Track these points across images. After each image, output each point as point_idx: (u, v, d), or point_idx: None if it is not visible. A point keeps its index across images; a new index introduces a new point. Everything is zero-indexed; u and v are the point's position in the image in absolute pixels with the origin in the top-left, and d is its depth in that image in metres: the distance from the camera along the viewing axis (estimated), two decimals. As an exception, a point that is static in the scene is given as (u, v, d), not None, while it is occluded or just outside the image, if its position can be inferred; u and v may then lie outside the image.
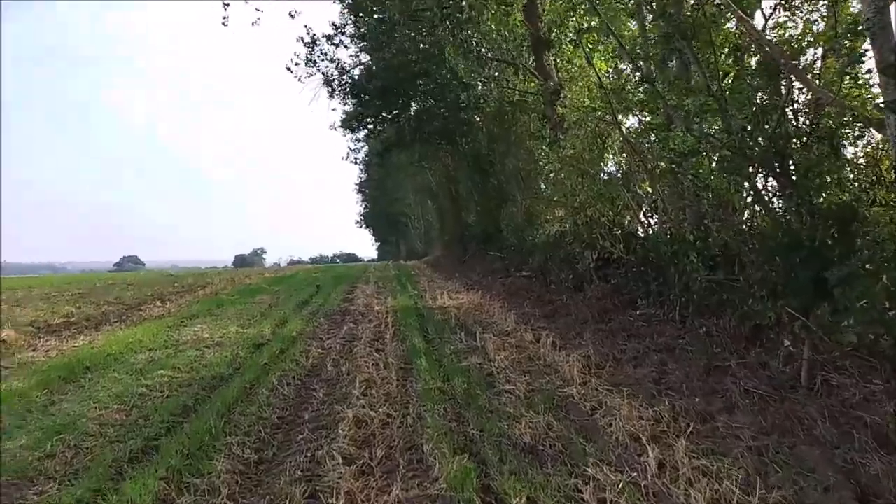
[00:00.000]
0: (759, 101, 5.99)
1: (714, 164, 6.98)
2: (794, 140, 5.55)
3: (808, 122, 5.58)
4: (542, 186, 16.17)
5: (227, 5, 15.72)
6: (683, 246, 8.01)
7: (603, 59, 11.87)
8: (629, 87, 8.96)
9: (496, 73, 15.46)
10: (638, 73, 8.45)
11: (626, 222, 10.01)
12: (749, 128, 6.11)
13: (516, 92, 15.13)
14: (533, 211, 15.36)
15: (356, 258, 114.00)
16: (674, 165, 8.34)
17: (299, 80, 18.64)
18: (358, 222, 70.77)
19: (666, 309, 8.27)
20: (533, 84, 14.59)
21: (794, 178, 5.55)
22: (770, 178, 6.24)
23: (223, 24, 16.49)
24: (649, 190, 9.34)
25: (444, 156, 28.19)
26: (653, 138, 8.38)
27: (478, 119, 20.83)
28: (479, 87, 14.75)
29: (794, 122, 5.59)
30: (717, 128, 7.32)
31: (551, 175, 15.32)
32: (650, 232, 9.20)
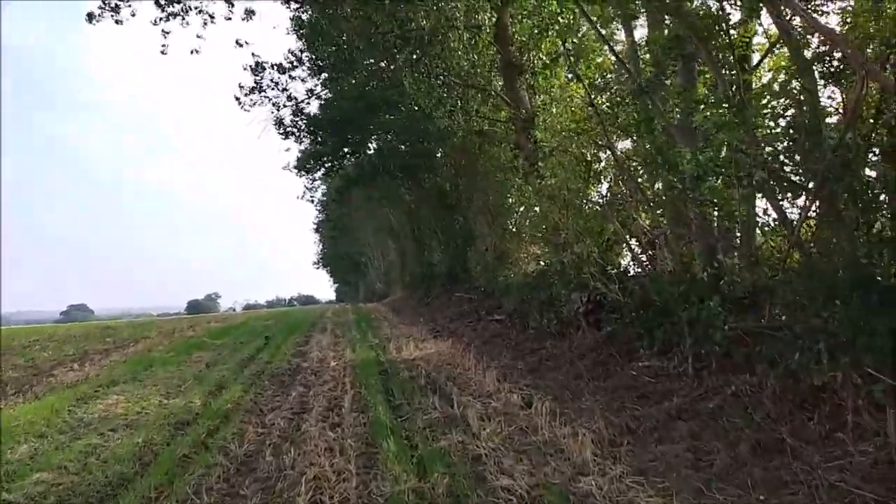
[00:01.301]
0: (805, 108, 4.84)
1: (740, 189, 5.79)
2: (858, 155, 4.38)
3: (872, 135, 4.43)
4: (512, 222, 15.02)
5: (167, 34, 14.36)
6: (694, 286, 6.82)
7: (584, 78, 10.77)
8: (623, 104, 7.81)
9: (459, 102, 14.30)
10: (632, 87, 7.34)
11: (621, 259, 8.80)
12: (789, 142, 4.97)
13: (485, 120, 14.02)
14: (504, 249, 14.15)
15: (314, 300, 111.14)
16: (675, 191, 7.21)
17: (243, 108, 17.10)
18: (315, 263, 68.82)
19: (676, 361, 6.99)
20: (503, 112, 13.52)
21: (859, 202, 4.36)
22: (816, 203, 5.07)
23: (162, 52, 15.17)
24: (646, 222, 8.17)
25: (405, 193, 26.99)
26: (652, 161, 7.22)
27: (441, 153, 19.75)
28: (444, 118, 13.56)
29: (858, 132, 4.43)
30: (727, 147, 6.21)
31: (526, 209, 14.19)
32: (650, 270, 7.97)
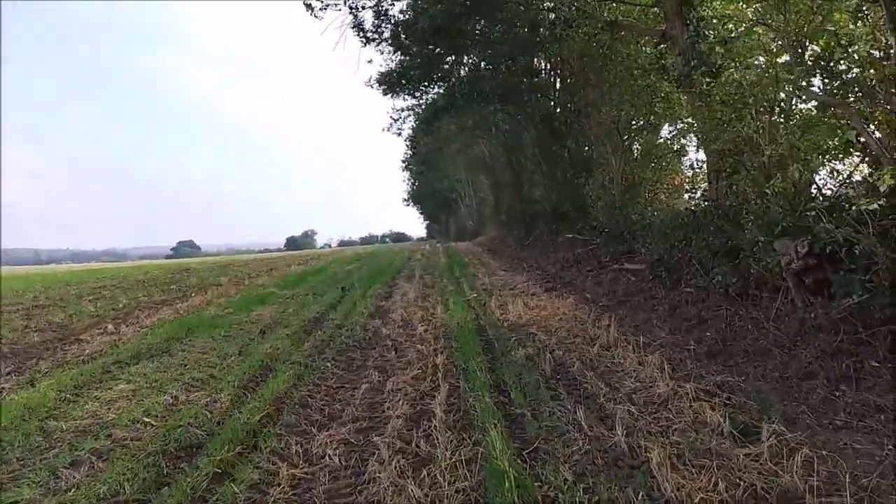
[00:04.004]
0: None
1: None
2: None
3: None
4: (645, 144, 11.80)
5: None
6: None
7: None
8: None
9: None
10: None
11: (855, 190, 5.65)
12: None
13: (620, 6, 10.51)
14: (637, 178, 11.04)
15: (405, 237, 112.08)
16: None
17: (314, 14, 14.33)
18: (405, 200, 67.26)
19: None
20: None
21: None
22: None
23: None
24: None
25: (501, 120, 23.87)
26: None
27: (548, 67, 16.50)
28: (563, 8, 10.22)
29: None
30: None
31: (685, 121, 10.88)
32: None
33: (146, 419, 4.60)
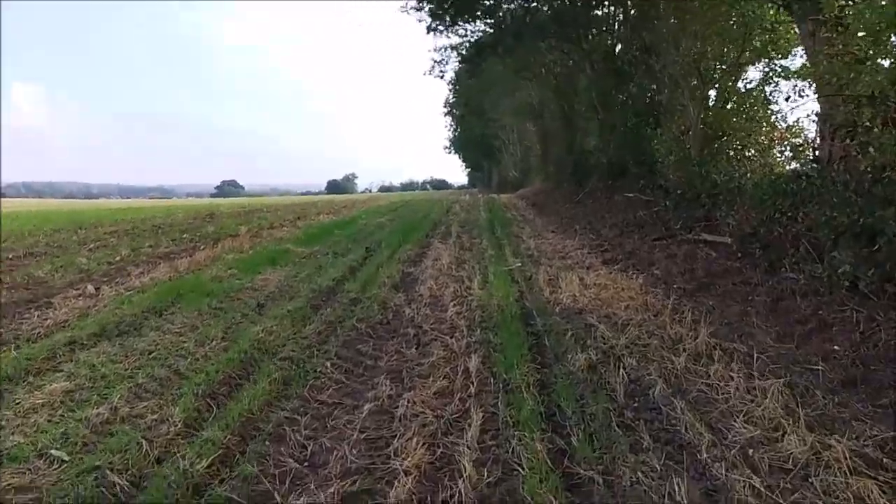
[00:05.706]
0: None
1: None
2: None
3: None
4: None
5: None
6: None
7: None
8: None
9: None
10: None
11: None
12: None
13: None
14: (724, 128, 9.19)
15: (446, 184, 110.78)
16: None
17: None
18: (447, 148, 65.35)
19: None
20: None
21: None
22: None
23: None
24: None
25: (552, 61, 21.69)
26: None
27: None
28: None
29: None
30: None
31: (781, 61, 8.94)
32: None
33: (56, 451, 3.29)
